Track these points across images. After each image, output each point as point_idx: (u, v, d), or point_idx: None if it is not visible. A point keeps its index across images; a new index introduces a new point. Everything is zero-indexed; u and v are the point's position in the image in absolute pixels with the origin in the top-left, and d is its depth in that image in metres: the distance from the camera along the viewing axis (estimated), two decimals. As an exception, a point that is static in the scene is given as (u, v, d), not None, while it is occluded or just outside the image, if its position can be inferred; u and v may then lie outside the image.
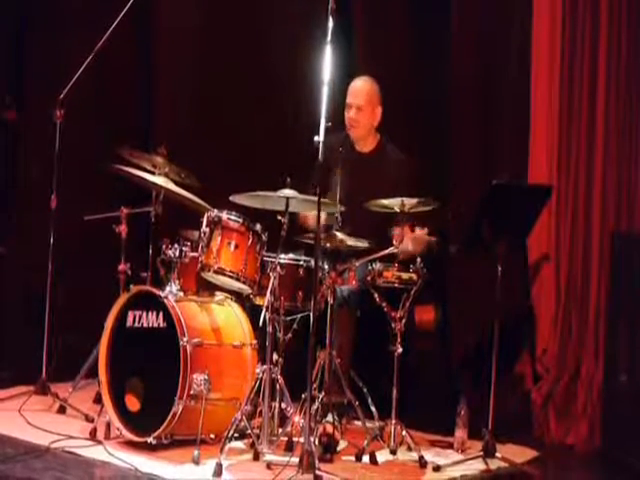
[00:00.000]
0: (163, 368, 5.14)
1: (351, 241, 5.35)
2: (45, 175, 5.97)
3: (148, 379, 5.18)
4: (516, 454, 5.35)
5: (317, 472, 4.60)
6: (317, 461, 4.66)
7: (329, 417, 5.19)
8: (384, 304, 5.27)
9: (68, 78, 5.91)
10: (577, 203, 5.93)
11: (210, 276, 5.35)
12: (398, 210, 5.29)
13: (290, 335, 5.33)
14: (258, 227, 5.33)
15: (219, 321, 5.37)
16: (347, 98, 5.98)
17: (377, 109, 6.00)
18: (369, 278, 5.29)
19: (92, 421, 5.42)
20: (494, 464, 5.13)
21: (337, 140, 5.69)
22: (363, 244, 5.39)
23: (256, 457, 5.01)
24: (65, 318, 6.22)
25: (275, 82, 6.91)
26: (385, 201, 5.32)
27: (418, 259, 5.29)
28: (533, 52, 6.03)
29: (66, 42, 6.80)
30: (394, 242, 5.32)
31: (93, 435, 5.24)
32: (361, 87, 6.00)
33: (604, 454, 5.54)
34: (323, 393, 5.25)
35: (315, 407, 5.13)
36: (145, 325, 5.26)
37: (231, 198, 5.23)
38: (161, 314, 5.20)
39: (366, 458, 5.13)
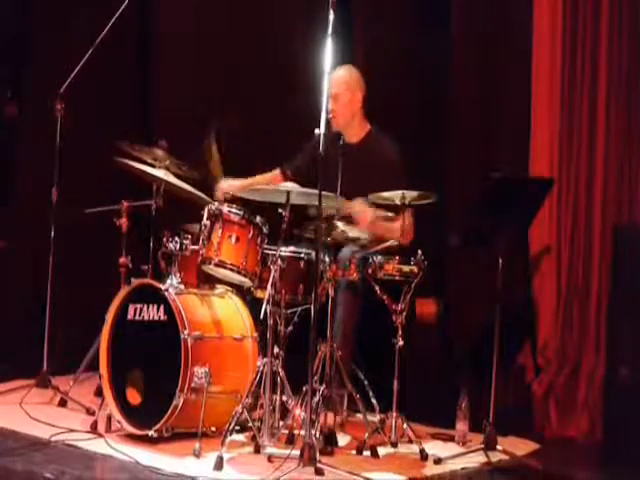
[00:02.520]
0: (164, 361, 5.15)
1: (352, 232, 5.35)
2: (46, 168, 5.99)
3: (149, 372, 5.18)
4: (517, 447, 5.35)
5: (318, 465, 4.61)
6: (318, 454, 4.66)
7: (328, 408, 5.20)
8: (385, 297, 5.26)
9: (69, 72, 5.91)
10: (578, 194, 5.92)
11: (211, 269, 5.35)
12: (399, 203, 5.28)
13: (291, 328, 5.33)
14: (259, 220, 5.33)
15: (220, 314, 5.37)
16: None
17: (357, 94, 5.92)
18: (370, 271, 5.27)
19: (93, 414, 5.42)
20: (495, 457, 5.12)
21: (329, 134, 5.62)
22: (364, 235, 5.39)
23: (257, 450, 5.01)
24: (66, 311, 6.21)
25: (276, 76, 6.91)
26: (386, 194, 5.31)
27: (419, 252, 5.27)
28: (534, 44, 6.01)
29: (67, 36, 6.80)
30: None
31: (94, 428, 5.24)
32: (338, 76, 5.86)
33: (605, 447, 5.54)
34: (324, 385, 5.25)
35: (316, 400, 5.13)
36: (146, 318, 5.26)
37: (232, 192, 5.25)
38: (162, 307, 5.20)
39: (367, 451, 5.12)
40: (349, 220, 5.47)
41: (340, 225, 5.33)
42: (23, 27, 6.94)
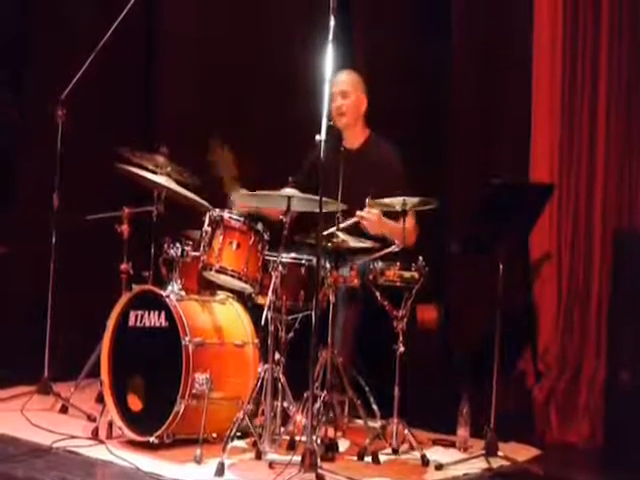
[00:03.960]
0: (165, 368, 5.14)
1: (353, 242, 5.35)
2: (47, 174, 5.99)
3: (150, 379, 5.18)
4: (518, 452, 5.35)
5: (319, 471, 4.60)
6: (319, 460, 4.66)
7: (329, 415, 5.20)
8: (385, 303, 5.26)
9: (70, 74, 5.92)
10: (578, 200, 5.93)
11: (212, 275, 5.35)
12: (400, 209, 5.29)
13: (292, 334, 5.33)
14: (260, 226, 5.33)
15: (221, 320, 5.38)
16: (331, 90, 5.91)
17: (362, 96, 5.98)
18: (371, 277, 5.27)
19: (94, 421, 5.42)
20: (496, 462, 5.11)
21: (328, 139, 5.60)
22: (365, 244, 5.39)
23: (258, 456, 5.01)
24: (67, 317, 6.21)
25: (277, 81, 6.91)
26: (387, 200, 5.32)
27: (420, 258, 5.28)
28: (534, 51, 6.02)
29: (68, 37, 6.80)
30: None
31: (95, 435, 5.25)
32: (344, 77, 5.95)
33: (606, 452, 5.54)
34: (325, 392, 5.25)
35: (317, 406, 5.13)
36: (147, 325, 5.26)
37: (232, 198, 5.25)
38: (163, 313, 5.21)
39: (368, 457, 5.12)
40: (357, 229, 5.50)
41: (341, 235, 5.33)
42: (23, 27, 6.94)
